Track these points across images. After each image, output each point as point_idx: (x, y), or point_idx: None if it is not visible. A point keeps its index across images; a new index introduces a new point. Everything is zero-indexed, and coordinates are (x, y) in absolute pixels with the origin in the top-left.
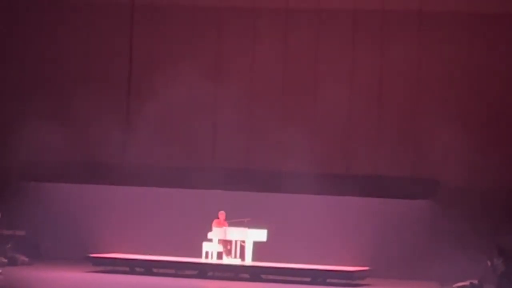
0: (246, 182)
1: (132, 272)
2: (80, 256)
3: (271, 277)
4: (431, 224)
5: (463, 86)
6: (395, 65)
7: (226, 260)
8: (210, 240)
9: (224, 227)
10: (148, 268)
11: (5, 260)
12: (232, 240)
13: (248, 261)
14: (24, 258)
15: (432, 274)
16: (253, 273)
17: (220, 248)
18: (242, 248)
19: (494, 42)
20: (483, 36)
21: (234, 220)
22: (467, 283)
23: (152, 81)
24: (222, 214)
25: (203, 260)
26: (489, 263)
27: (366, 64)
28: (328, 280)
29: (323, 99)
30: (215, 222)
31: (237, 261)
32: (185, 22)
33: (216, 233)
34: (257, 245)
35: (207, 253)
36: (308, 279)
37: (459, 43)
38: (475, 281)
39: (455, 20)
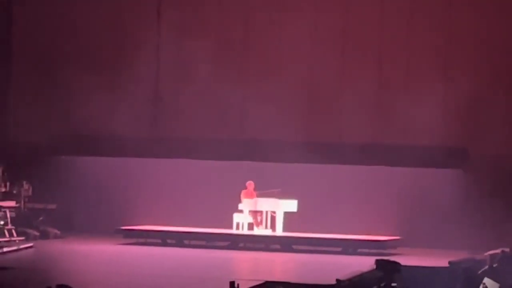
0: (275, 153)
1: (163, 244)
2: (112, 228)
3: (302, 247)
4: (462, 193)
5: (496, 54)
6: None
7: (257, 231)
8: (241, 211)
9: (255, 198)
10: (180, 240)
11: (37, 234)
12: (263, 211)
13: (279, 231)
14: (56, 231)
15: (463, 243)
16: (284, 244)
17: (251, 219)
18: (273, 219)
19: None
20: None
21: (264, 191)
22: (498, 251)
23: (180, 55)
24: (250, 184)
25: (234, 231)
26: None
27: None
28: (359, 250)
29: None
30: (243, 192)
31: (268, 232)
32: None
33: (247, 204)
34: (287, 215)
35: (237, 224)
36: (339, 249)
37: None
38: (507, 249)
39: None
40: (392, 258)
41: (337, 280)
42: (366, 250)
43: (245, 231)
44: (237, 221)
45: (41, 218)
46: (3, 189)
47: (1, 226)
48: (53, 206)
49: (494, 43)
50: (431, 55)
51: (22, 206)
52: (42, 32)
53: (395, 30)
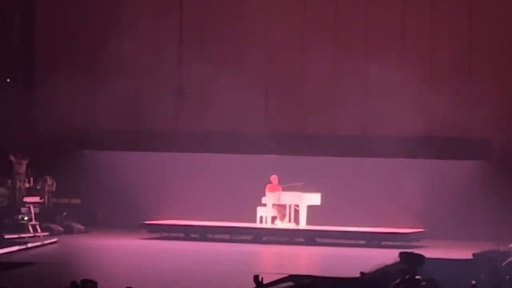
0: (299, 146)
1: (187, 238)
2: (136, 223)
3: (325, 240)
4: (485, 185)
5: None
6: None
7: (281, 225)
8: (264, 205)
9: (278, 192)
10: (203, 234)
11: (61, 229)
12: (286, 205)
13: (303, 225)
14: (80, 226)
15: (486, 234)
16: (308, 237)
17: (274, 213)
18: (296, 212)
19: None
20: None
21: (288, 185)
22: None
23: (202, 49)
24: (274, 179)
25: (257, 225)
26: None
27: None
28: (382, 243)
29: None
30: (268, 187)
31: (292, 225)
32: None
33: (270, 198)
34: (311, 209)
35: (261, 218)
36: (363, 242)
37: None
38: None
39: None
40: (416, 251)
41: (361, 273)
42: (390, 243)
43: (268, 224)
44: (261, 215)
45: (65, 213)
46: (27, 185)
47: (25, 222)
48: (77, 201)
49: None
50: (454, 47)
51: (46, 201)
52: (67, 25)
53: (418, 16)
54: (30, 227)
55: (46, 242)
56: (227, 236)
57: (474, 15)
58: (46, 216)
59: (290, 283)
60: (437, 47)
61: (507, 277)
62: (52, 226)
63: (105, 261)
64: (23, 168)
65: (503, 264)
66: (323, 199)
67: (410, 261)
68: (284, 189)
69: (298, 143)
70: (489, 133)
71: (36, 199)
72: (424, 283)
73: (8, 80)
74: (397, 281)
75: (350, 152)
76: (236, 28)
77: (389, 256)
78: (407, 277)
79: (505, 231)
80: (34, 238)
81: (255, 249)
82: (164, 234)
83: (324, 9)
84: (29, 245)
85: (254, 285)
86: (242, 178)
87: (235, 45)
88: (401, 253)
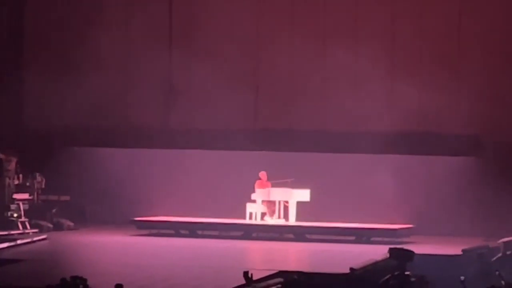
0: (288, 142)
1: (176, 234)
2: (125, 220)
3: (315, 236)
4: (475, 181)
5: (509, 40)
6: None
7: (270, 221)
8: (254, 201)
9: (267, 188)
10: (193, 230)
11: (51, 225)
12: (276, 201)
13: (292, 221)
14: (69, 223)
15: (476, 230)
16: (297, 233)
17: (264, 209)
18: (286, 209)
19: None
20: None
21: (277, 181)
22: None
23: (194, 46)
24: (263, 175)
25: (247, 221)
26: None
27: None
28: (372, 239)
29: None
30: (257, 183)
31: (281, 222)
32: None
33: (260, 194)
34: (300, 205)
35: (251, 214)
36: (352, 238)
37: None
38: None
39: None
40: (405, 247)
41: (351, 268)
42: (380, 239)
43: (258, 221)
44: (250, 211)
45: (54, 210)
46: (16, 182)
47: (14, 219)
48: (66, 198)
49: (507, 28)
50: (444, 41)
51: (36, 198)
52: (56, 21)
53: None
54: (19, 224)
55: (35, 239)
56: (216, 233)
57: (461, 14)
58: (35, 213)
59: (280, 279)
60: (426, 42)
61: (497, 272)
62: (42, 223)
63: (95, 257)
64: (12, 165)
65: (493, 259)
66: (312, 195)
67: (400, 257)
68: (273, 185)
69: (287, 139)
70: (477, 129)
71: (26, 196)
72: (413, 279)
73: None
74: (387, 277)
75: (339, 148)
76: (225, 23)
77: (378, 252)
78: (396, 273)
79: (494, 227)
80: (23, 235)
81: (244, 245)
82: (154, 231)
83: (312, 5)
84: (19, 242)
85: (244, 281)
86: (232, 174)
87: (224, 41)
88: (390, 249)
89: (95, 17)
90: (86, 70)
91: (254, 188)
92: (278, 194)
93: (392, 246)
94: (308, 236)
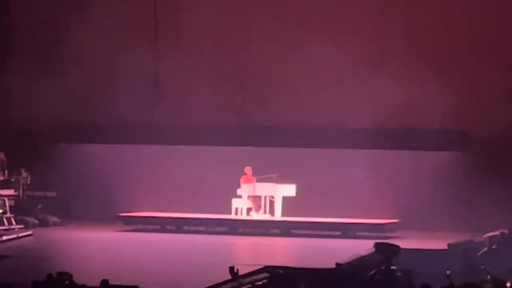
0: (273, 137)
1: (163, 230)
2: (111, 215)
3: (301, 231)
4: (461, 176)
5: (495, 35)
6: None
7: (256, 216)
8: (240, 197)
9: (253, 183)
10: (179, 226)
11: (36, 221)
12: (261, 196)
13: (278, 216)
14: (55, 219)
15: (462, 225)
16: (283, 228)
17: (250, 204)
18: (271, 204)
19: None
20: None
21: (262, 176)
22: (497, 232)
23: (179, 42)
24: (248, 170)
25: (233, 216)
26: None
27: None
28: (358, 233)
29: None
30: (243, 178)
31: (267, 217)
32: None
33: (245, 189)
34: (286, 200)
35: (236, 209)
36: (338, 233)
37: None
38: (506, 231)
39: None
40: (391, 241)
41: (337, 263)
42: (365, 234)
43: (244, 216)
44: (236, 206)
45: (40, 206)
46: (2, 177)
47: (0, 215)
48: (52, 194)
49: (492, 23)
50: (429, 34)
51: (21, 194)
52: (42, 16)
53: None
54: (5, 220)
55: (21, 235)
56: (202, 228)
57: (448, 8)
58: (21, 209)
59: (266, 274)
60: (412, 35)
61: (482, 267)
62: (27, 219)
63: (81, 253)
64: None
65: (478, 254)
66: (298, 190)
67: (385, 251)
68: (259, 181)
69: (272, 134)
70: (463, 124)
71: (11, 192)
72: (399, 273)
73: None
74: (373, 271)
75: (325, 143)
76: (210, 18)
77: (364, 247)
78: (382, 267)
79: (480, 222)
80: (9, 231)
81: (230, 241)
82: (140, 226)
83: (297, 0)
84: (4, 238)
85: (230, 277)
86: (217, 169)
87: (209, 36)
88: (376, 244)
89: (79, 12)
90: (71, 66)
91: (239, 183)
92: (264, 189)
93: (378, 241)
94: (294, 231)
